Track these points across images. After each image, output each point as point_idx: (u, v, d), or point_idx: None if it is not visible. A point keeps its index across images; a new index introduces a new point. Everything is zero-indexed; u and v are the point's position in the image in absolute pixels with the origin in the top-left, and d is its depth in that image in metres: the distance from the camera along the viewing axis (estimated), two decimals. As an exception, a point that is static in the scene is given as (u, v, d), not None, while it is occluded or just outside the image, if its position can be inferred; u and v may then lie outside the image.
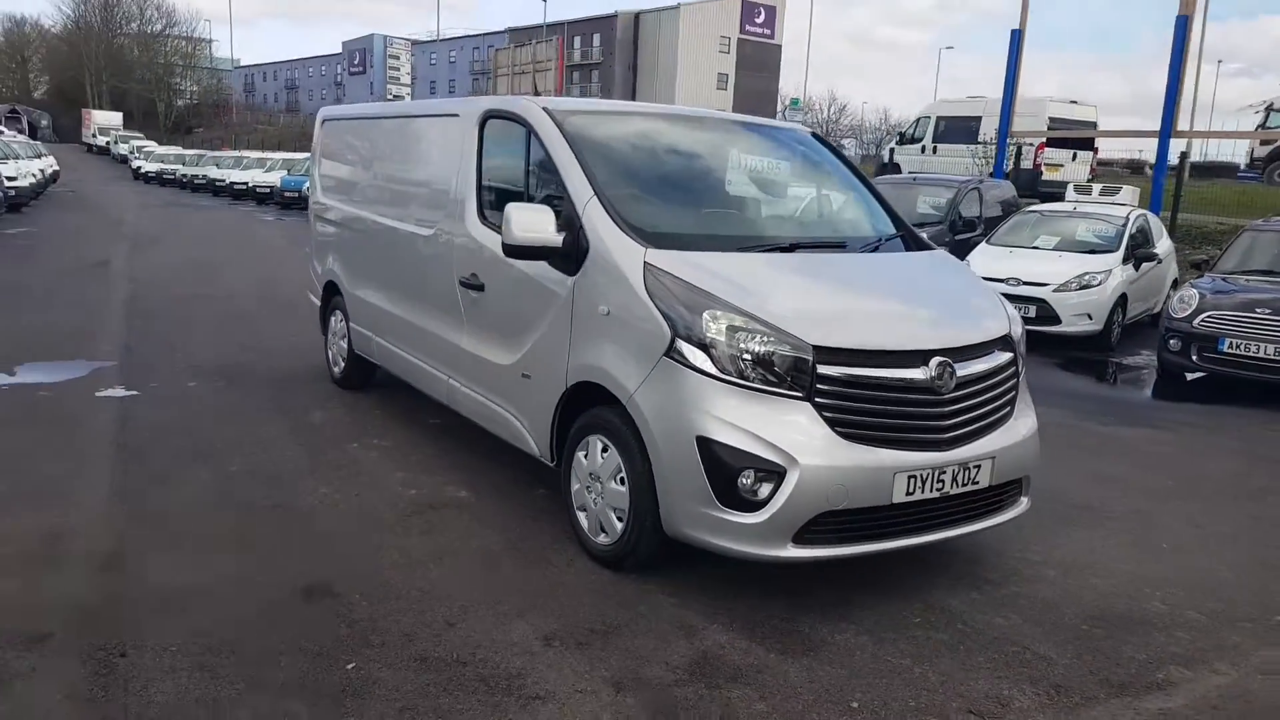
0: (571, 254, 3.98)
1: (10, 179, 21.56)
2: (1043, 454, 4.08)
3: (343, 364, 6.57)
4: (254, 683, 2.97)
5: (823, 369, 3.43)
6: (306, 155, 22.85)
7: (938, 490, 3.59)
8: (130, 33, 68.97)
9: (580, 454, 4.01)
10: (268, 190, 29.00)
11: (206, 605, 3.45)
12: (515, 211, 4.00)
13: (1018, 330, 4.14)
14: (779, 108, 71.46)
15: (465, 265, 4.72)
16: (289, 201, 26.50)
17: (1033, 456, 4.00)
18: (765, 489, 3.37)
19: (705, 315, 3.49)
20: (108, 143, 53.23)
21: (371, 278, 6.03)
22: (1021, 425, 3.94)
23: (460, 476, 4.93)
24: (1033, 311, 9.94)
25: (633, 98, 75.31)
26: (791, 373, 3.43)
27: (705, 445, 3.41)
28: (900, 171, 23.45)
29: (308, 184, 19.12)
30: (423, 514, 4.44)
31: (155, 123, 63.29)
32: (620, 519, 3.79)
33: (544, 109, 4.38)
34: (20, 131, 52.22)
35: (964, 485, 3.66)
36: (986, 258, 10.79)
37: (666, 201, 4.35)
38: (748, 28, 75.99)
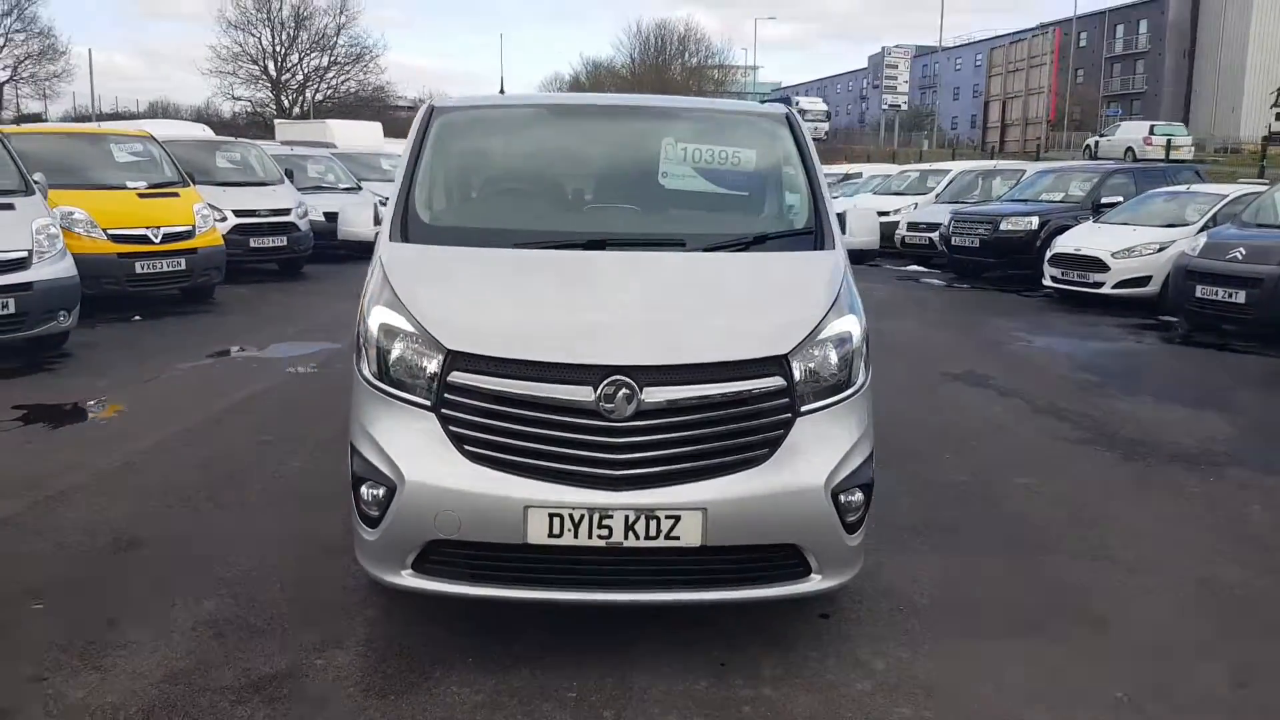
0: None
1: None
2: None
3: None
4: (-39, 599, 3.54)
5: (454, 377, 3.00)
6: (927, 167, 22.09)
7: (601, 539, 2.91)
8: (677, 66, 77.79)
9: None
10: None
11: (58, 537, 4.10)
12: (344, 207, 4.09)
13: (828, 356, 3.13)
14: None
15: None
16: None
17: (807, 517, 3.01)
18: (380, 505, 3.06)
19: (374, 310, 3.26)
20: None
21: None
22: (785, 475, 2.99)
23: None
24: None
25: (1188, 87, 65.42)
26: (422, 378, 3.06)
27: (351, 452, 3.21)
28: None
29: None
30: (327, 499, 4.67)
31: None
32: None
33: (430, 105, 4.34)
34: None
35: (651, 538, 2.92)
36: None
37: (488, 196, 4.07)
38: (1367, -9, 61.48)
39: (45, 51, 49.57)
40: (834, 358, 3.17)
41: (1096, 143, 35.46)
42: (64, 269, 7.45)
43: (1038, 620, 3.56)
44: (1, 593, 3.59)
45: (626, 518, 2.90)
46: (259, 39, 52.16)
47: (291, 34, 52.22)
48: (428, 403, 3.04)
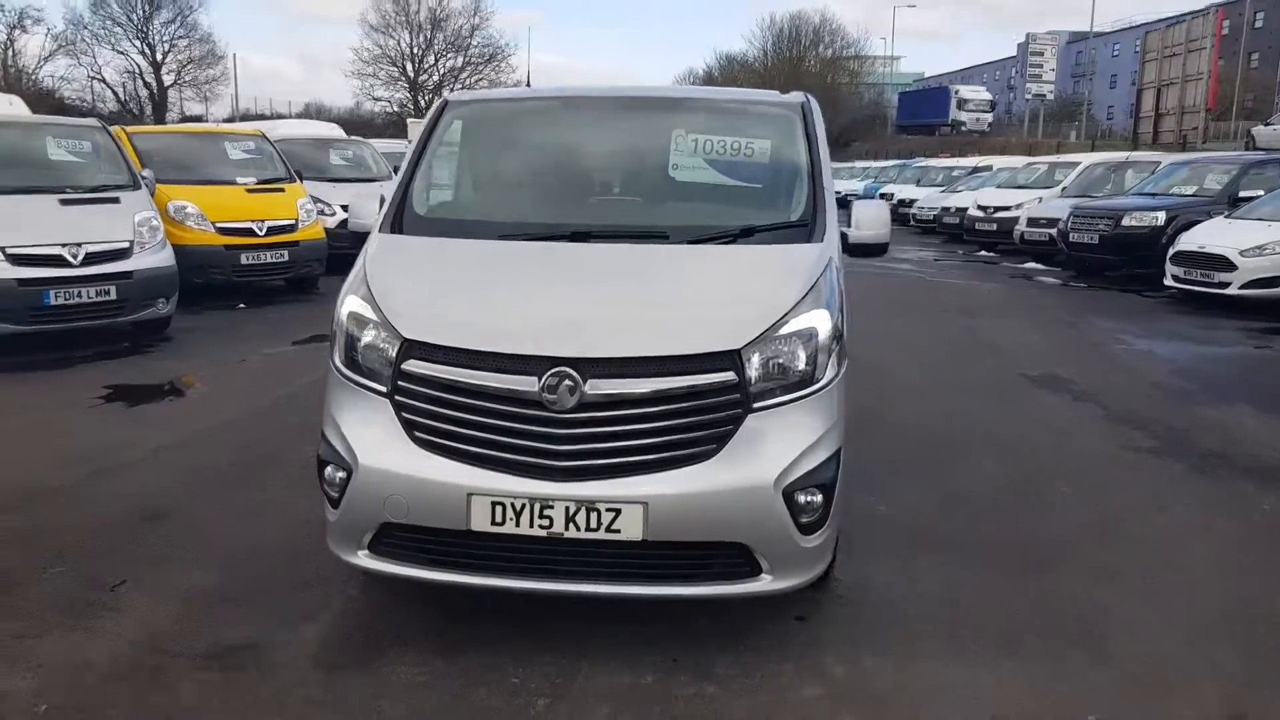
0: None
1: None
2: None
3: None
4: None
5: (408, 365, 3.06)
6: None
7: (543, 528, 2.92)
8: (812, 58, 76.49)
9: None
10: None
11: (95, 508, 4.40)
12: (353, 200, 4.21)
13: (792, 351, 3.03)
14: None
15: None
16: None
17: (755, 516, 2.93)
18: (339, 488, 3.16)
19: (347, 299, 3.36)
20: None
21: None
22: (733, 472, 2.91)
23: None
24: None
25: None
26: (381, 366, 3.13)
27: (320, 436, 3.32)
28: None
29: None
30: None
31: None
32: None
33: (444, 100, 4.43)
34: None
35: (591, 530, 2.91)
36: None
37: (486, 188, 4.11)
38: None
39: (205, 57, 53.31)
40: (799, 353, 3.07)
41: (1250, 132, 32.38)
42: (163, 259, 7.98)
43: (1029, 640, 3.34)
44: (31, 556, 3.88)
45: (567, 509, 2.90)
46: (398, 41, 54.49)
47: (428, 36, 54.40)
48: (384, 390, 3.11)
